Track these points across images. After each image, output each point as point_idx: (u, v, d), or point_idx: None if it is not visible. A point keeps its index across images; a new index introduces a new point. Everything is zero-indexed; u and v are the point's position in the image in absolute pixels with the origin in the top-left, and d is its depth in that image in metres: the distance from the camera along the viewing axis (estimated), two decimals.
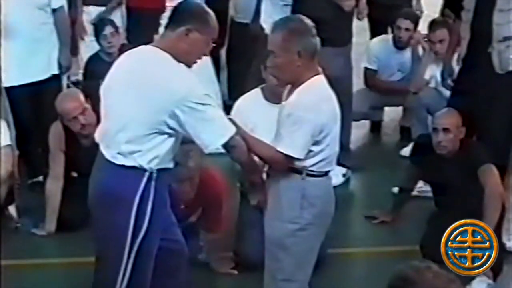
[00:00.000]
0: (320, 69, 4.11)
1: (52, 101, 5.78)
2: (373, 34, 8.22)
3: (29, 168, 6.45)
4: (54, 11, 6.36)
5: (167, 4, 7.20)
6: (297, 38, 4.01)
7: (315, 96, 4.00)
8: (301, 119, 3.96)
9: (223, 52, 8.09)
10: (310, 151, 4.01)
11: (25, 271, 5.47)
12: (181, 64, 3.98)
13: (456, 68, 6.34)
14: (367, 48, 7.78)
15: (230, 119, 4.10)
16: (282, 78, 4.15)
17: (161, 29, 7.20)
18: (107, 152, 4.00)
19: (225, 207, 5.36)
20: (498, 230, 5.20)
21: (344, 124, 6.52)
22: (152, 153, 3.94)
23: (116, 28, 7.02)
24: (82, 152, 5.46)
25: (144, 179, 3.94)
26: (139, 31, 7.11)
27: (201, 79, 6.55)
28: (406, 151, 6.72)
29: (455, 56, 6.36)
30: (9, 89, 6.19)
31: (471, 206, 5.17)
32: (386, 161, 7.19)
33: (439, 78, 6.94)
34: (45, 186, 5.87)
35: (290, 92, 4.07)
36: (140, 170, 3.93)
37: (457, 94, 6.00)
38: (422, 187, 6.05)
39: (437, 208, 5.56)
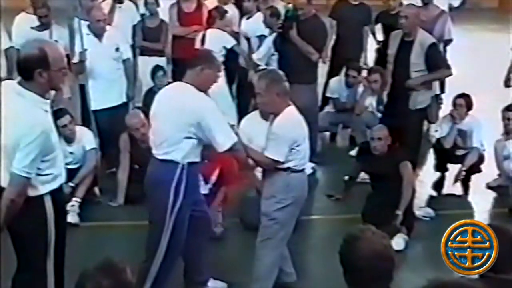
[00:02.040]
0: (290, 101, 4.08)
1: (122, 119, 5.82)
2: (332, 75, 8.08)
3: (107, 163, 6.46)
4: (124, 61, 6.40)
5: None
6: (275, 84, 4.00)
7: (289, 121, 4.03)
8: (281, 137, 3.99)
9: (234, 87, 8.08)
10: (290, 155, 4.01)
11: (102, 230, 5.45)
12: (201, 92, 3.92)
13: (385, 99, 6.41)
14: (328, 84, 7.74)
15: (235, 132, 4.05)
16: (266, 110, 4.22)
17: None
18: (155, 152, 4.01)
19: (235, 169, 5.15)
20: (410, 203, 5.27)
21: (313, 135, 6.54)
22: (183, 151, 3.89)
23: (165, 72, 7.06)
24: (141, 152, 5.45)
25: (178, 169, 3.90)
26: (181, 73, 7.17)
27: (222, 104, 6.56)
28: (353, 152, 6.67)
29: (385, 92, 6.36)
30: (95, 112, 6.22)
31: (394, 188, 5.17)
32: (340, 159, 7.01)
33: (374, 105, 7.06)
34: (117, 174, 5.89)
35: (273, 119, 4.09)
36: (176, 163, 3.90)
37: (386, 116, 6.12)
38: (363, 176, 6.08)
39: (373, 190, 5.52)
